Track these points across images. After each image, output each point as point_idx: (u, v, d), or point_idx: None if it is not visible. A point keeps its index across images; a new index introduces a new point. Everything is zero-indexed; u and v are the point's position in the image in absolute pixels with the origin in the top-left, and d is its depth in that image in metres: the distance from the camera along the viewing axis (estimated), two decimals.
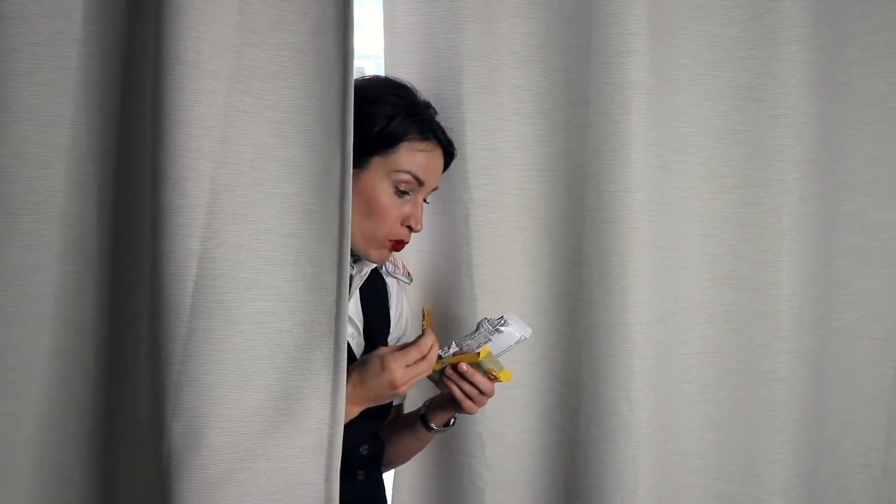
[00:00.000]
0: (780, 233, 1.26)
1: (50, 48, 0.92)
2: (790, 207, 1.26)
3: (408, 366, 1.02)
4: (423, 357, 1.03)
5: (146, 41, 0.92)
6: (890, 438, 1.38)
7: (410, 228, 1.08)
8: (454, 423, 1.19)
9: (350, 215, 0.95)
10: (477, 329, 1.10)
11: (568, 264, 1.22)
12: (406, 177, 1.05)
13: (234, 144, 0.91)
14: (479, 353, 1.07)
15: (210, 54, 0.88)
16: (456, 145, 1.15)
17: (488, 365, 1.08)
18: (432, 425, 1.17)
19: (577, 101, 1.19)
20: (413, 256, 1.25)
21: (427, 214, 1.16)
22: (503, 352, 1.10)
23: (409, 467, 1.28)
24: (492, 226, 1.22)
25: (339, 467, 0.96)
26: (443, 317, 1.21)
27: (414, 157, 1.06)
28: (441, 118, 1.12)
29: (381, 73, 1.18)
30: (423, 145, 1.07)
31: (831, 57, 1.27)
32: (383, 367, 1.01)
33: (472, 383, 1.08)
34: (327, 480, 0.95)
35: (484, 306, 1.20)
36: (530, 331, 1.11)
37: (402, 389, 1.02)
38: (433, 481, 1.31)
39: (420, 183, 1.07)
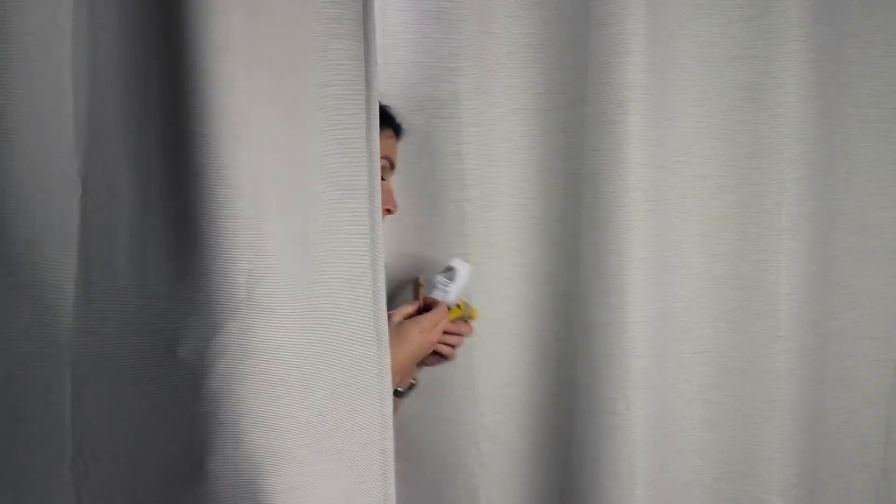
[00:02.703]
0: (780, 232, 1.26)
1: (38, 37, 0.87)
2: (789, 207, 1.26)
3: (435, 325, 1.13)
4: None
5: (149, 27, 0.87)
6: (889, 438, 1.38)
7: (389, 211, 1.14)
8: (416, 383, 1.23)
9: (380, 212, 0.95)
10: (434, 287, 1.17)
11: (564, 264, 1.23)
12: (384, 163, 1.12)
13: (271, 135, 0.87)
14: (458, 306, 1.17)
15: (239, 39, 0.84)
16: (452, 145, 1.16)
17: (468, 311, 1.18)
18: (399, 389, 1.19)
19: (575, 102, 1.19)
20: (409, 256, 1.25)
21: (423, 214, 1.17)
22: (462, 293, 1.19)
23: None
24: (488, 225, 1.22)
25: (391, 461, 0.95)
26: None
27: (385, 142, 1.10)
28: (436, 118, 1.14)
29: None
30: (386, 132, 1.13)
31: (831, 57, 1.27)
32: (422, 329, 1.11)
33: (455, 334, 1.17)
34: (384, 474, 0.95)
35: (480, 305, 1.20)
36: (469, 265, 1.19)
37: (434, 347, 1.14)
38: (426, 479, 1.31)
39: (392, 165, 1.15)
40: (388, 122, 1.15)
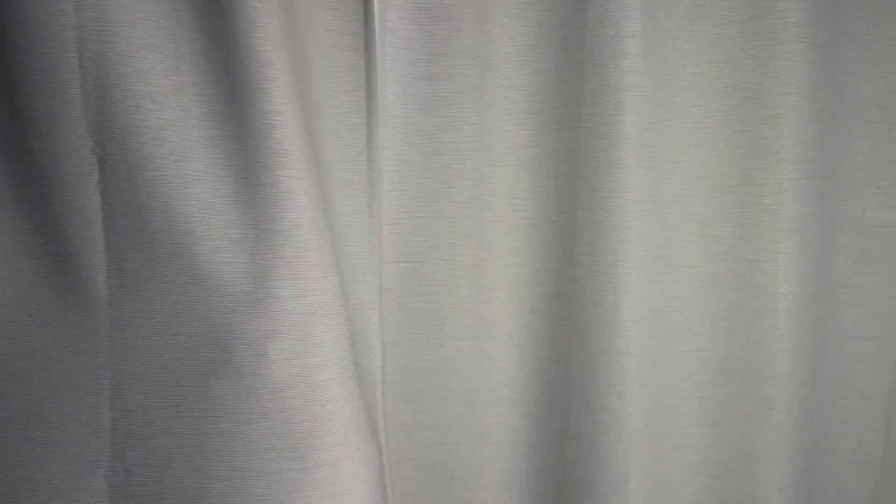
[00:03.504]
0: (778, 232, 1.26)
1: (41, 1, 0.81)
2: (788, 207, 1.26)
3: None
4: None
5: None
6: (888, 438, 1.38)
7: None
8: None
9: (380, 219, 0.98)
10: None
11: (559, 263, 1.24)
12: None
13: (309, 133, 0.89)
14: None
15: (278, 33, 0.84)
16: (451, 145, 1.17)
17: None
18: None
19: (570, 102, 1.20)
20: (408, 258, 1.27)
21: (418, 215, 1.18)
22: None
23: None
24: (482, 225, 1.23)
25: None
26: (434, 318, 1.23)
27: None
28: (433, 117, 1.15)
29: None
30: None
31: (830, 57, 1.27)
32: None
33: None
34: (382, 463, 0.99)
35: (474, 306, 1.22)
36: None
37: None
38: (421, 491, 1.31)
39: None
40: None
